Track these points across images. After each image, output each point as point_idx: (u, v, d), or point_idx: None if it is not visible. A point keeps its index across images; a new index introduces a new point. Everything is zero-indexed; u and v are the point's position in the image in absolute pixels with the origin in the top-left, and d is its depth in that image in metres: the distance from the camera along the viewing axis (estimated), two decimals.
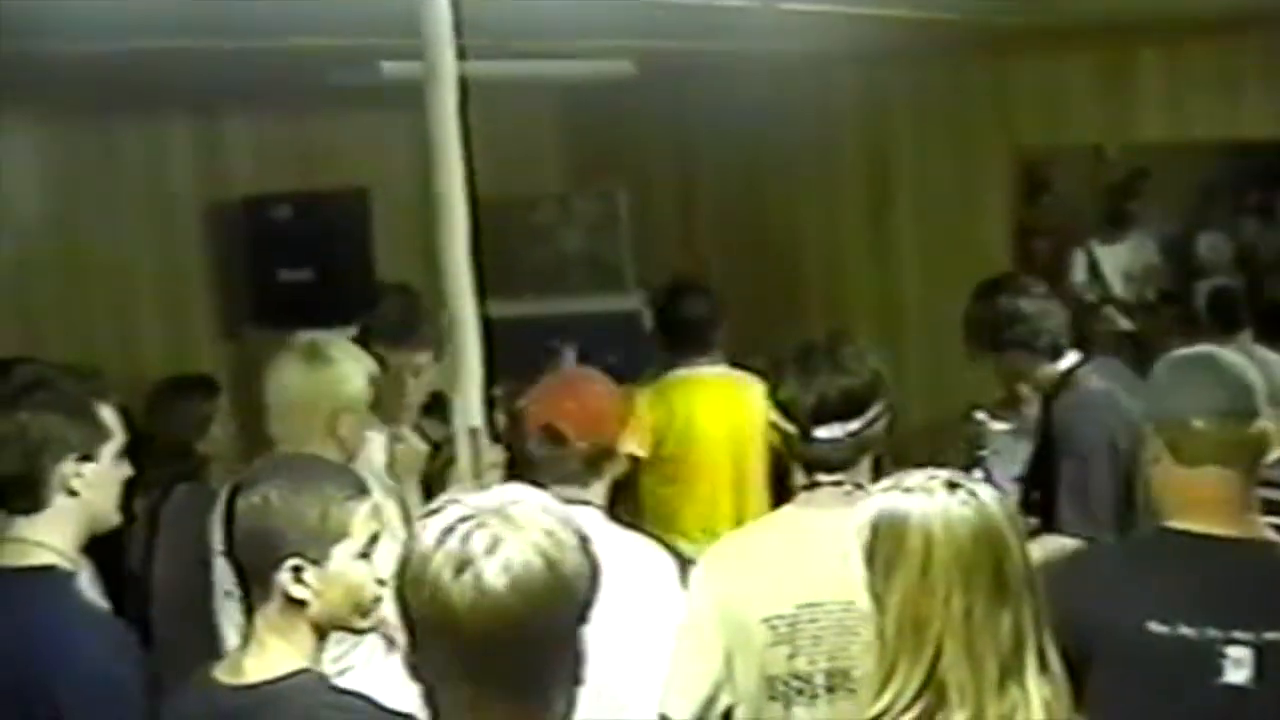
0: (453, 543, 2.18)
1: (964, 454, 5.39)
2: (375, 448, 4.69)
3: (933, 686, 2.48)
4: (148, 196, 7.78)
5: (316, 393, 4.13)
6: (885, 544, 2.57)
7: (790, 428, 3.42)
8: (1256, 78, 6.93)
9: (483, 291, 4.28)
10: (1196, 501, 3.06)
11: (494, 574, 2.16)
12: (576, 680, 2.34)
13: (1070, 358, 5.00)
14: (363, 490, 2.97)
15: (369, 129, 7.85)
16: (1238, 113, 7.08)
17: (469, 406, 4.24)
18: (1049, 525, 4.74)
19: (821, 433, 3.38)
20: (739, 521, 5.08)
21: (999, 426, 5.50)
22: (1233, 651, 2.89)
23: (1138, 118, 7.45)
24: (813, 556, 2.64)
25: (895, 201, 8.28)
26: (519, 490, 2.33)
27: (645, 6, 4.91)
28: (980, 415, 5.48)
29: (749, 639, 3.29)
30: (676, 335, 5.87)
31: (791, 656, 3.26)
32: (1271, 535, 3.11)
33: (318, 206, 7.92)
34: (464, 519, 2.21)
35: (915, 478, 2.63)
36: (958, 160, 8.02)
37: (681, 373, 5.73)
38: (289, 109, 7.85)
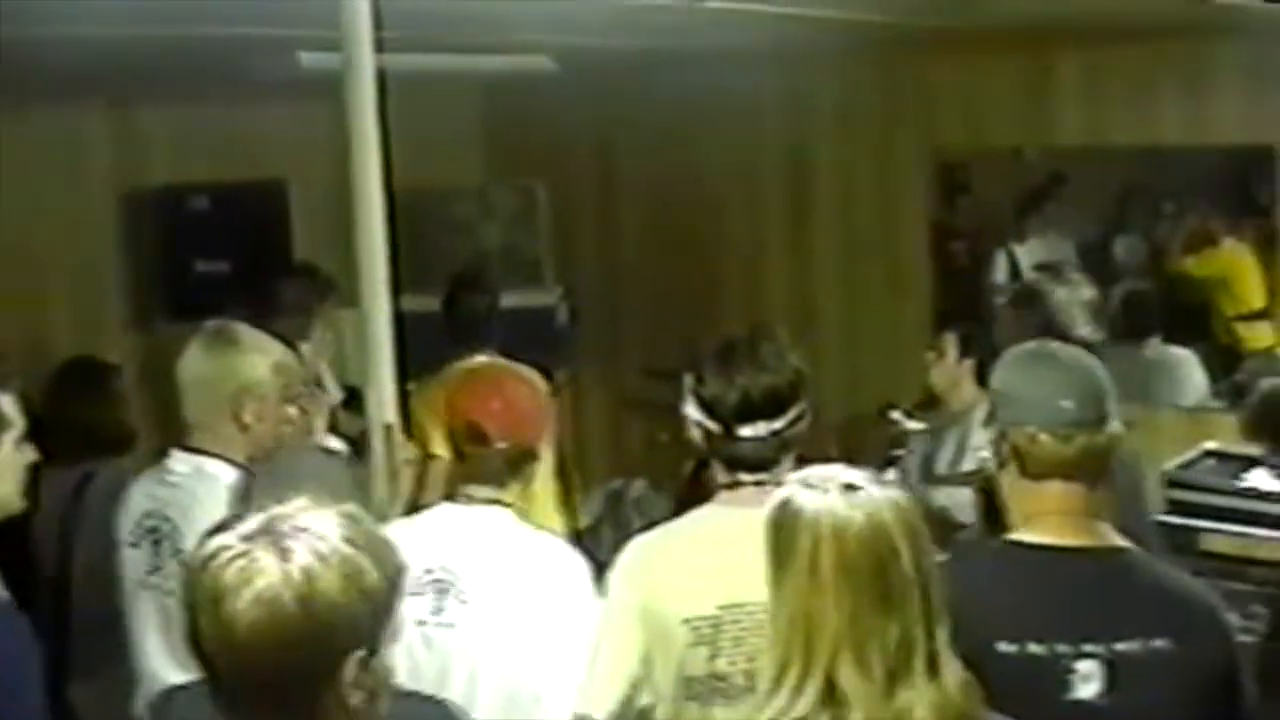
0: (213, 571, 2.15)
1: (879, 453, 5.41)
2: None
3: (824, 688, 2.48)
4: (64, 185, 7.68)
5: (218, 375, 4.08)
6: (780, 537, 2.57)
7: (713, 426, 3.40)
8: (1172, 85, 6.98)
9: (398, 285, 4.26)
10: (1042, 513, 2.96)
11: (243, 608, 2.12)
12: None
13: None
14: None
15: (288, 120, 7.78)
16: (1154, 119, 7.13)
17: (382, 401, 4.23)
18: None
19: (745, 431, 3.36)
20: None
21: (914, 426, 5.52)
22: (1082, 666, 2.80)
23: (1056, 122, 7.50)
24: (735, 557, 2.63)
25: (815, 200, 8.30)
26: (316, 507, 2.27)
27: (566, 3, 4.89)
28: (895, 414, 5.50)
29: (669, 639, 3.27)
30: (457, 329, 5.85)
31: (712, 657, 3.24)
32: (1121, 541, 3.01)
33: (235, 198, 7.86)
34: (231, 544, 2.17)
35: (820, 472, 2.63)
36: (878, 160, 8.04)
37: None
38: (208, 99, 7.78)
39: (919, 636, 2.50)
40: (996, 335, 5.26)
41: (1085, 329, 5.10)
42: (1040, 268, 5.54)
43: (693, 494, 3.61)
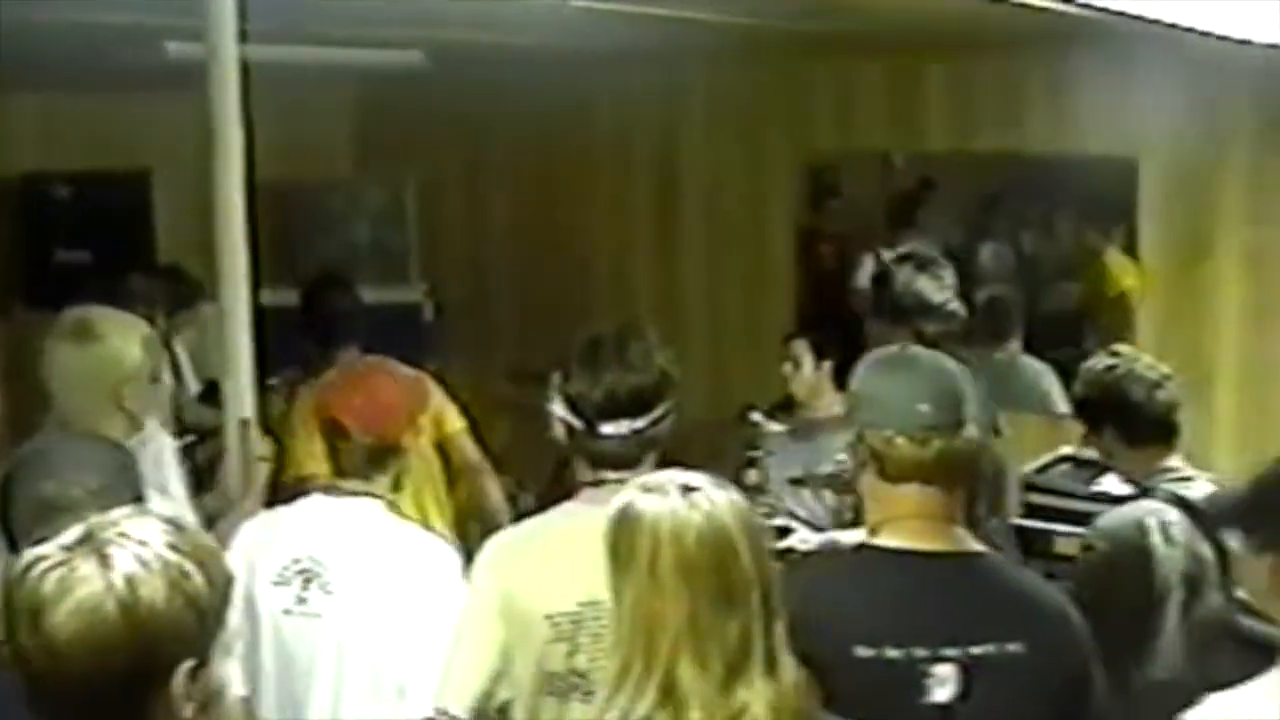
0: (31, 582, 2.09)
1: (739, 454, 5.42)
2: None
3: (664, 688, 2.50)
4: None
5: (97, 369, 4.06)
6: (620, 542, 2.60)
7: (577, 422, 3.40)
8: (1038, 94, 7.07)
9: (258, 279, 4.23)
10: (900, 517, 2.97)
11: (63, 619, 2.07)
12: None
13: None
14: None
15: (155, 110, 7.69)
16: (1020, 127, 7.21)
17: (240, 396, 4.19)
18: None
19: (608, 429, 3.37)
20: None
21: (774, 428, 5.54)
22: (939, 670, 2.82)
23: (924, 127, 7.57)
24: (596, 554, 2.64)
25: (683, 201, 8.32)
26: (145, 514, 2.24)
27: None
28: (755, 416, 5.51)
29: (529, 634, 3.27)
30: (317, 328, 5.83)
31: (571, 654, 3.25)
32: (977, 545, 3.04)
33: (98, 187, 7.77)
34: (49, 554, 2.11)
35: (658, 477, 2.67)
36: (746, 162, 8.08)
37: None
38: (74, 87, 7.67)
39: (757, 635, 2.54)
40: (868, 330, 5.30)
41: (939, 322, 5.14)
42: (904, 257, 5.53)
43: (556, 491, 3.60)
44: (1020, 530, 5.47)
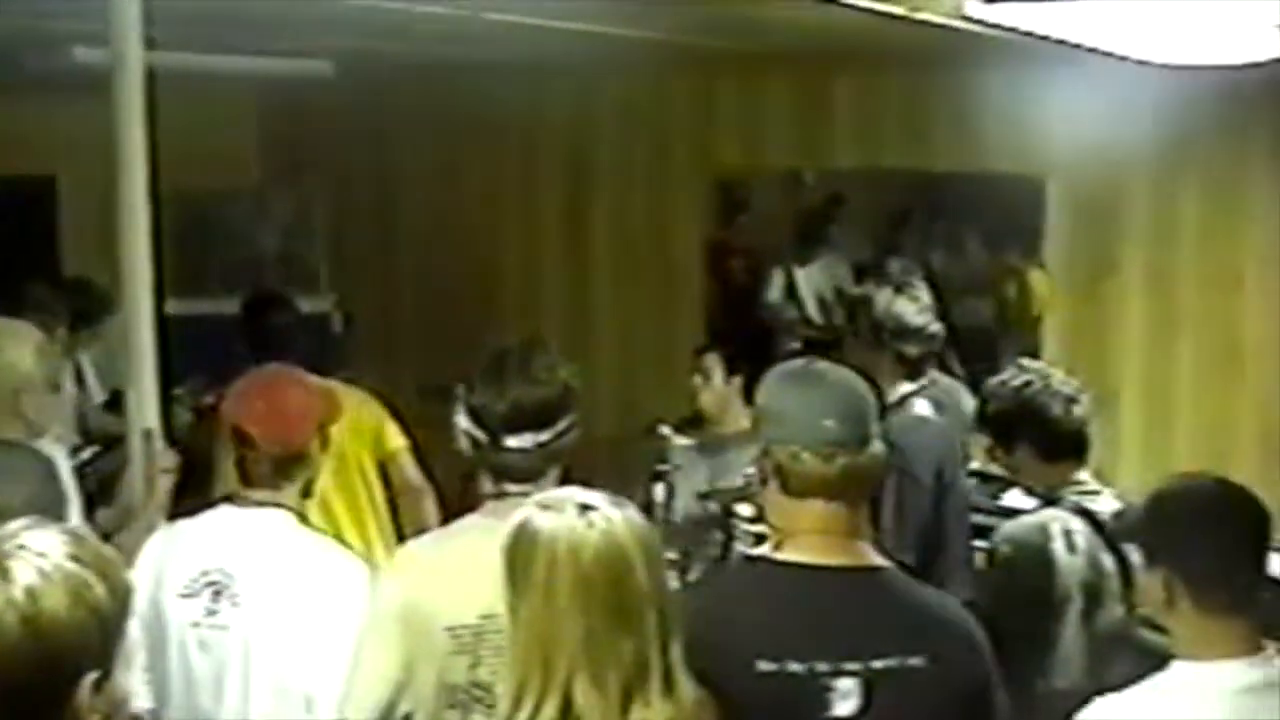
0: None
1: (648, 468, 5.42)
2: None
3: (561, 707, 2.51)
4: None
5: None
6: (517, 560, 2.60)
7: (480, 435, 3.40)
8: (946, 112, 7.12)
9: (162, 288, 4.19)
10: (802, 531, 2.97)
11: None
12: None
13: (920, 380, 5.11)
14: None
15: (61, 116, 7.59)
16: (926, 145, 7.27)
17: (144, 406, 4.15)
18: None
19: (512, 442, 3.37)
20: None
21: (682, 442, 5.54)
22: (841, 684, 2.82)
23: (832, 144, 7.60)
24: (497, 567, 2.64)
25: (592, 215, 8.32)
26: (43, 525, 2.21)
27: (346, 8, 4.85)
28: (664, 430, 5.51)
29: (431, 647, 3.26)
30: (256, 343, 5.80)
31: (473, 666, 3.25)
32: (880, 560, 3.04)
33: (2, 194, 7.66)
34: None
35: (556, 495, 2.68)
36: (656, 176, 8.09)
37: None
38: None
39: (654, 654, 2.54)
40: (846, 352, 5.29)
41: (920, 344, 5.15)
42: (883, 278, 5.51)
43: (463, 504, 3.60)
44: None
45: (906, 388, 5.08)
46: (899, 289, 5.20)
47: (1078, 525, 4.09)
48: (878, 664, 2.86)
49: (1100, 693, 3.08)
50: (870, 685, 2.85)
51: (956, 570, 4.77)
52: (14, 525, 2.16)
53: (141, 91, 4.14)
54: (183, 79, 5.67)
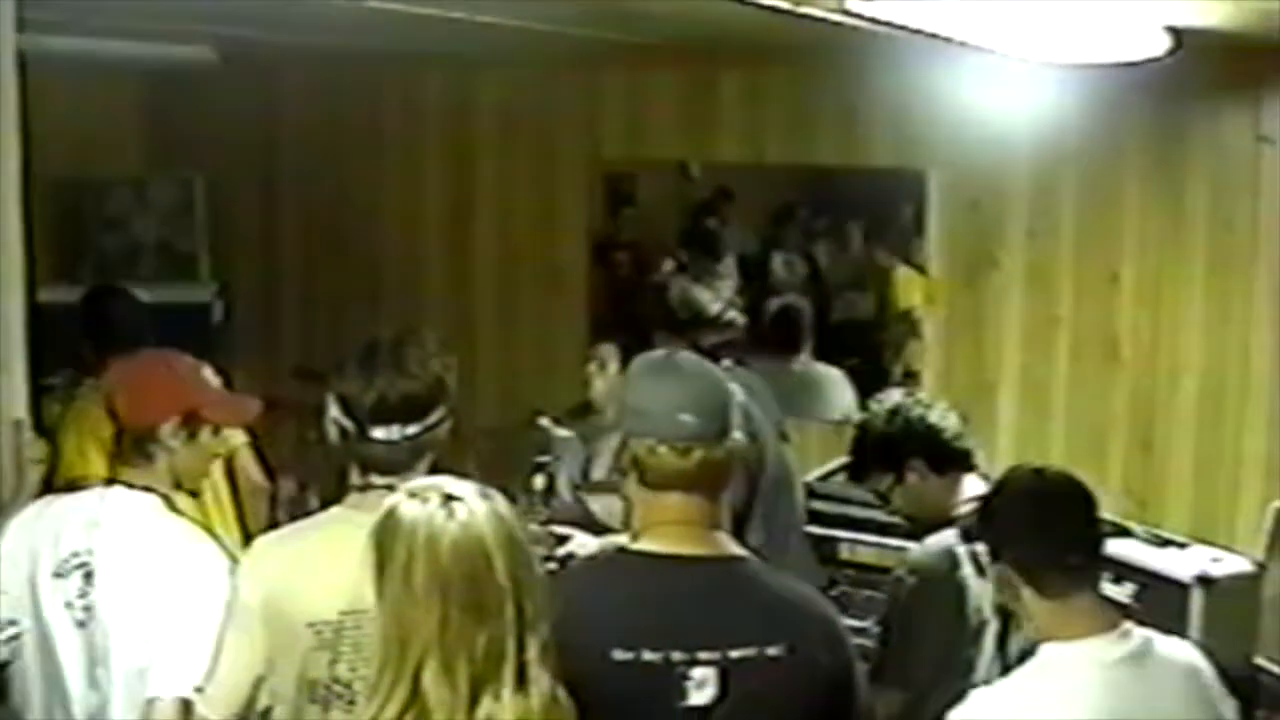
0: None
1: (528, 460, 5.42)
2: None
3: (413, 699, 2.50)
4: None
5: None
6: (381, 547, 2.60)
7: (348, 424, 3.38)
8: (829, 106, 7.16)
9: (34, 275, 4.13)
10: (660, 522, 2.99)
11: None
12: None
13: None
14: None
15: None
16: (811, 139, 7.30)
17: (14, 396, 4.09)
18: None
19: (379, 433, 3.36)
20: None
21: (563, 433, 5.55)
22: (697, 673, 2.85)
23: (718, 138, 7.62)
24: (357, 562, 2.62)
25: (476, 206, 8.29)
26: None
27: None
28: (544, 421, 5.52)
29: (292, 642, 3.25)
30: (99, 334, 5.77)
31: (333, 662, 3.23)
32: (739, 550, 3.07)
33: None
34: None
35: (424, 483, 2.68)
36: (540, 168, 8.07)
37: None
38: None
39: (509, 648, 2.54)
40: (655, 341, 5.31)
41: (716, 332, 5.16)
42: (681, 268, 5.54)
43: (340, 493, 3.57)
44: (808, 537, 5.54)
45: None
46: (696, 277, 5.24)
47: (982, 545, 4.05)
48: (735, 653, 2.88)
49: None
50: (727, 674, 2.87)
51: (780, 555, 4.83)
52: None
53: (14, 75, 4.07)
54: (58, 63, 5.59)
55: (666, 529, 2.98)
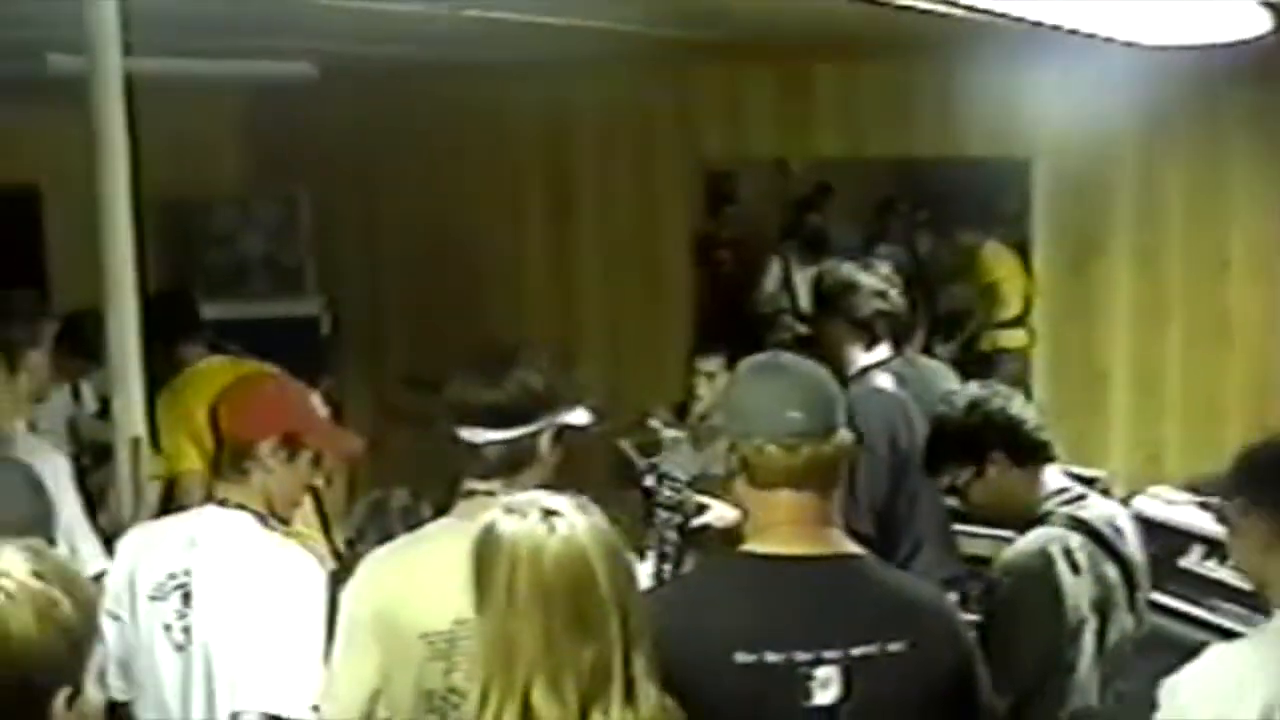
0: None
1: (638, 459, 5.43)
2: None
3: (520, 713, 2.50)
4: None
5: None
6: (481, 564, 2.60)
7: (450, 429, 3.40)
8: (929, 98, 7.12)
9: (146, 294, 4.18)
10: (773, 523, 2.97)
11: None
12: None
13: (879, 351, 5.11)
14: None
15: (41, 124, 7.58)
16: (910, 131, 7.27)
17: (130, 414, 4.14)
18: None
19: (472, 435, 3.37)
20: None
21: (672, 433, 5.55)
22: (820, 672, 2.82)
23: (816, 133, 7.60)
24: (466, 571, 2.63)
25: (577, 210, 8.31)
26: (3, 543, 2.15)
27: (327, 9, 4.84)
28: (654, 422, 5.53)
29: (407, 653, 3.25)
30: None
31: (448, 672, 3.23)
32: (854, 548, 3.04)
33: None
34: None
35: (521, 498, 2.67)
36: (640, 170, 8.09)
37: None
38: None
39: (616, 662, 2.53)
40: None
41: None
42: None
43: (451, 502, 3.59)
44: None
45: (865, 359, 5.08)
46: (856, 263, 5.23)
47: (1075, 541, 3.93)
48: (856, 651, 2.85)
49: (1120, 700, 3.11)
50: (850, 673, 2.85)
51: (927, 547, 4.79)
52: None
53: (121, 98, 4.12)
54: (165, 84, 5.65)
55: (780, 529, 2.96)
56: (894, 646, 2.88)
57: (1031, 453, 4.12)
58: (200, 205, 8.65)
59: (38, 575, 2.09)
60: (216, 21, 5.20)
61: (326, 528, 5.74)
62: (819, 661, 2.84)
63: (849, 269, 5.18)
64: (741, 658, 2.82)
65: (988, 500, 4.20)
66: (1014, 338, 8.24)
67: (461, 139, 8.26)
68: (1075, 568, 3.85)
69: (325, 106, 8.13)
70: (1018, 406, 4.18)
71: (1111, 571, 3.96)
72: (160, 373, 5.69)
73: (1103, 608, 3.89)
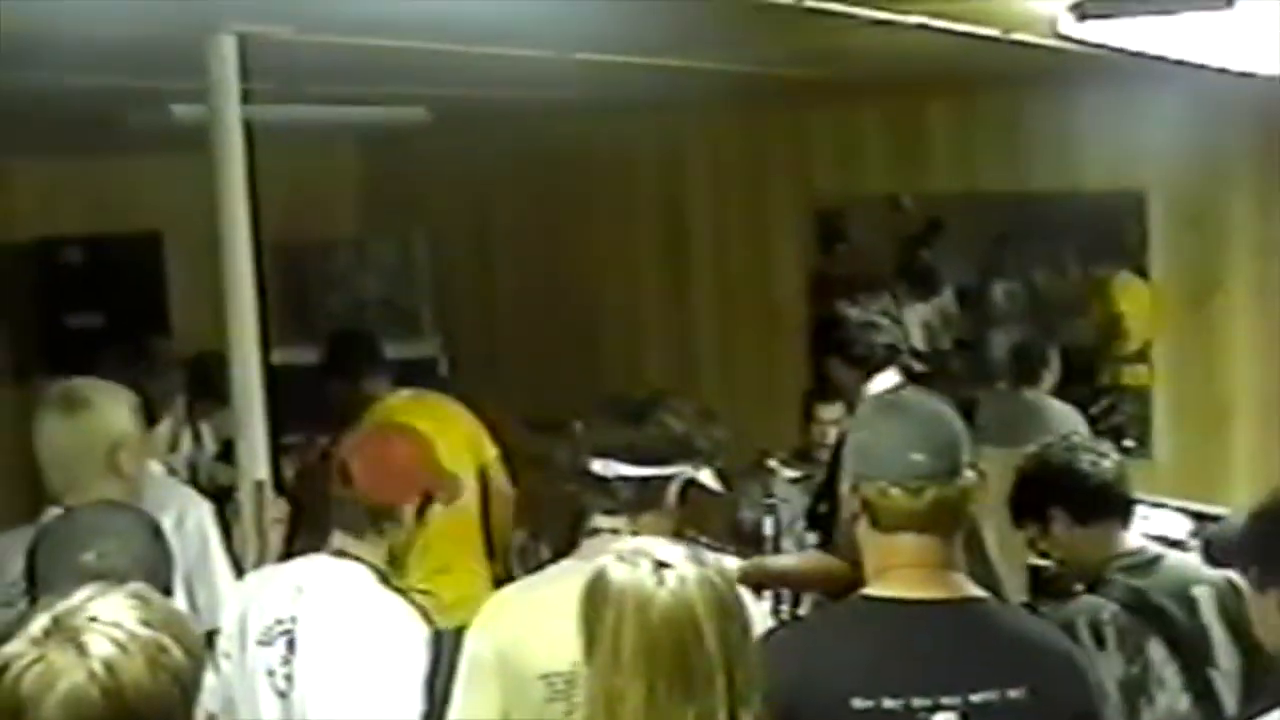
0: (9, 683, 2.02)
1: (756, 501, 5.42)
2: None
3: None
4: None
5: (88, 438, 4.03)
6: (589, 611, 2.56)
7: (579, 463, 3.41)
8: (1043, 131, 7.09)
9: (267, 337, 4.23)
10: (895, 566, 2.91)
11: (50, 715, 2.00)
12: None
13: (886, 379, 4.90)
14: None
15: (162, 172, 7.71)
16: (1023, 165, 7.23)
17: (254, 457, 4.18)
18: (826, 544, 4.68)
19: (598, 466, 3.37)
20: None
21: (790, 474, 5.54)
22: (938, 718, 2.78)
23: (929, 168, 7.59)
24: None
25: (691, 250, 8.33)
26: (109, 592, 2.16)
27: (439, 54, 4.88)
28: (772, 463, 5.51)
29: (526, 694, 3.25)
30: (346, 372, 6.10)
31: (569, 713, 3.22)
32: (976, 591, 2.97)
33: (109, 250, 7.79)
34: (23, 651, 2.04)
35: (635, 545, 2.63)
36: (753, 209, 8.09)
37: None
38: (80, 150, 7.70)
39: (721, 718, 2.47)
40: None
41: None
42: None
43: (571, 543, 3.59)
44: (1032, 569, 5.43)
45: (869, 391, 4.85)
46: (844, 300, 5.16)
47: (1107, 614, 3.76)
48: (976, 697, 2.81)
49: None
50: (968, 719, 2.81)
51: None
52: (79, 595, 2.13)
53: (240, 145, 4.19)
54: (282, 131, 5.73)
55: (901, 572, 2.92)
56: (1014, 693, 2.82)
57: (1094, 510, 3.98)
58: (318, 249, 8.75)
59: (146, 623, 2.10)
60: (333, 69, 5.27)
61: (493, 555, 5.84)
62: (937, 708, 2.79)
63: (837, 307, 5.12)
64: (858, 704, 2.78)
65: (1061, 557, 4.10)
66: (1136, 374, 8.15)
67: (574, 180, 8.31)
68: (1101, 642, 3.72)
69: (439, 150, 8.21)
70: (1087, 460, 4.02)
71: (1157, 651, 3.79)
72: (346, 410, 5.83)
73: (1135, 686, 3.73)
